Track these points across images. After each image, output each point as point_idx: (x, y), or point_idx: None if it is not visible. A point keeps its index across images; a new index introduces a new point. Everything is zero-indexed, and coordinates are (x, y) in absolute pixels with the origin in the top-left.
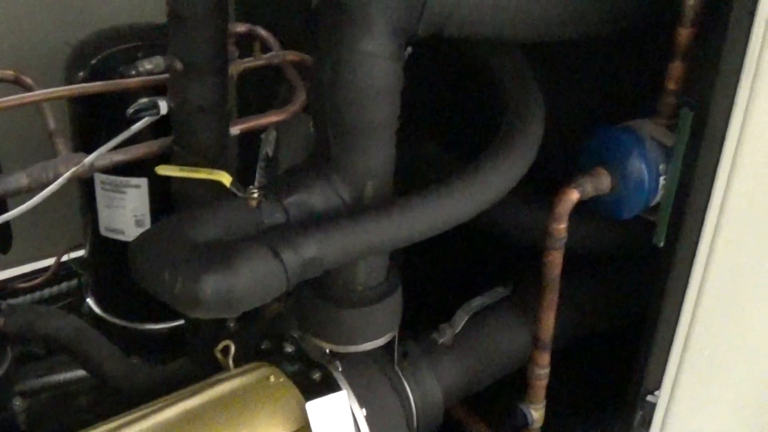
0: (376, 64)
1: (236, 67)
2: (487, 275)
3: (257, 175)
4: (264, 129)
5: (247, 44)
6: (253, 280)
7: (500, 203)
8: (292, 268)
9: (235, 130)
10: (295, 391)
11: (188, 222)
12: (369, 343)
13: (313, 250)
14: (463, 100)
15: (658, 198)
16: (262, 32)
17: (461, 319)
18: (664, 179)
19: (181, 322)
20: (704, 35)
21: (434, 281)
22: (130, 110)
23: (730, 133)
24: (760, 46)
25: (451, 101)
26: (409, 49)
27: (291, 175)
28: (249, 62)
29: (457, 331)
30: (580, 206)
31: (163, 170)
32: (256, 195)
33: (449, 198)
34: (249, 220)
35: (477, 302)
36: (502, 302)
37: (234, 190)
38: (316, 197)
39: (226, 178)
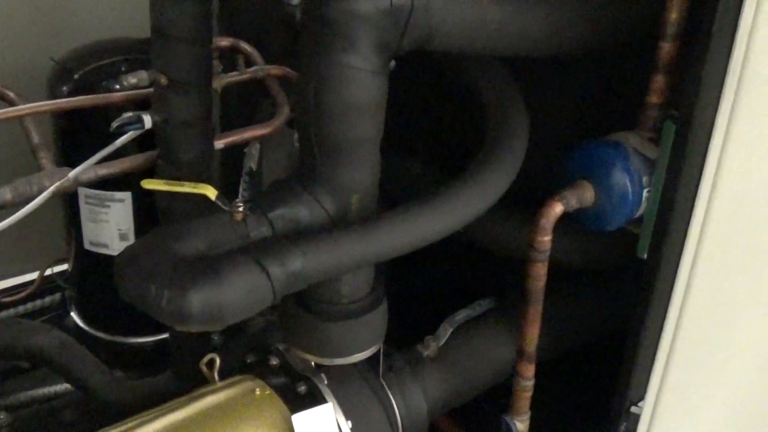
0: (360, 78)
1: (220, 82)
2: (472, 288)
3: (240, 190)
4: (247, 143)
5: (230, 59)
6: (240, 293)
7: (484, 216)
8: (278, 281)
9: (219, 144)
10: (281, 404)
11: (173, 236)
12: (354, 356)
13: (299, 264)
14: (447, 116)
15: (641, 210)
16: (246, 47)
17: (446, 332)
18: (648, 192)
19: (166, 335)
20: (686, 49)
21: (420, 294)
22: (115, 124)
23: (712, 146)
24: (743, 60)
25: (435, 117)
26: (393, 63)
27: (276, 189)
28: (233, 76)
29: (441, 343)
30: (564, 219)
31: (148, 184)
32: (241, 209)
33: (433, 212)
34: (234, 234)
35: (461, 315)
36: (487, 314)
37: (219, 203)
38: (302, 211)
39: (211, 192)
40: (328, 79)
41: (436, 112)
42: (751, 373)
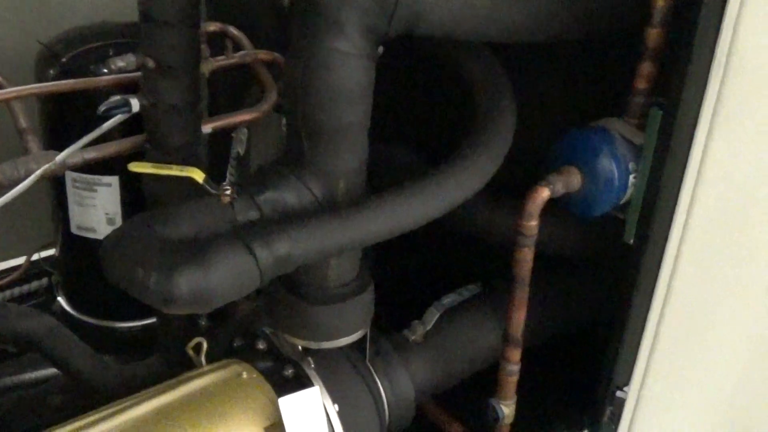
0: (348, 63)
1: (208, 66)
2: (459, 273)
3: (228, 174)
4: (235, 128)
5: (218, 43)
6: (226, 275)
7: (471, 202)
8: (265, 264)
9: (207, 128)
10: (268, 388)
11: (161, 219)
12: (341, 340)
13: (286, 247)
14: (434, 102)
15: (627, 196)
16: (234, 31)
17: (432, 317)
18: (634, 177)
19: (153, 320)
20: (673, 36)
21: (407, 279)
22: (102, 108)
23: (698, 132)
24: (728, 47)
25: (423, 105)
26: (381, 49)
27: (264, 173)
28: (221, 61)
29: (428, 328)
30: (551, 205)
31: (135, 167)
32: (229, 192)
33: (420, 196)
34: (222, 217)
35: (448, 300)
36: (474, 299)
37: (207, 186)
38: (289, 195)
39: (198, 175)
40: (316, 63)
41: (424, 99)
42: (735, 357)
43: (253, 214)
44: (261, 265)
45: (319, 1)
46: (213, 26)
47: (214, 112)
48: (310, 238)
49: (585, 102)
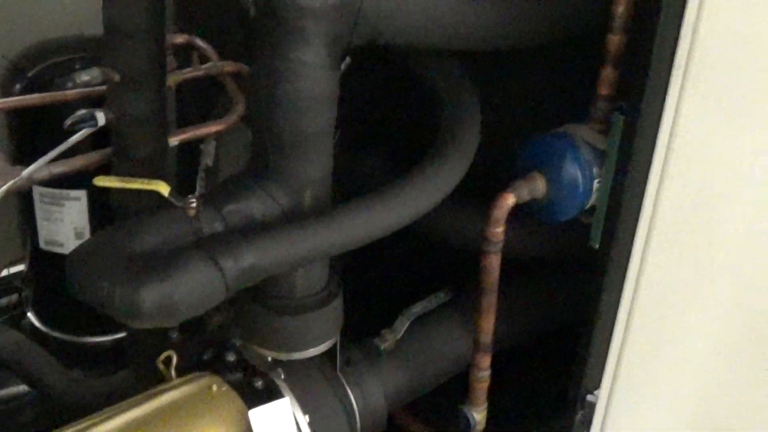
0: (311, 73)
1: (174, 78)
2: (430, 280)
3: (198, 186)
4: (203, 139)
5: (185, 55)
6: (191, 288)
7: (439, 208)
8: (230, 275)
9: (174, 140)
10: (238, 400)
11: (126, 233)
12: (310, 350)
13: (251, 258)
14: (406, 110)
15: (593, 201)
16: (201, 43)
17: (402, 325)
18: (598, 182)
19: (124, 334)
20: (634, 41)
21: (378, 287)
22: (68, 122)
23: (660, 137)
24: (688, 52)
25: (394, 112)
26: (348, 59)
27: (229, 184)
28: (187, 73)
29: (398, 336)
30: (518, 210)
31: (100, 181)
32: (194, 204)
33: (385, 205)
34: (187, 230)
35: (418, 307)
36: (444, 306)
37: (172, 199)
38: (255, 205)
39: (163, 188)
40: (280, 74)
41: (395, 106)
42: (705, 358)
43: (219, 226)
44: (226, 276)
45: (282, 12)
46: (180, 38)
47: (183, 124)
48: (276, 248)
49: (550, 108)
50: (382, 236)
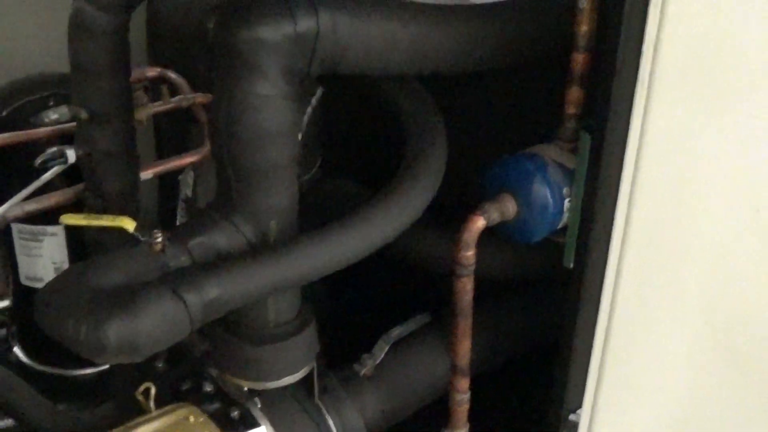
0: (270, 105)
1: (145, 112)
2: (411, 302)
3: (178, 217)
4: (180, 171)
5: (159, 88)
6: (155, 323)
7: (412, 232)
8: (195, 309)
9: (147, 174)
10: (215, 430)
11: (92, 269)
12: (286, 379)
13: (215, 290)
14: (378, 135)
15: (564, 220)
16: (173, 75)
17: (381, 350)
18: (569, 202)
19: (108, 365)
20: (599, 60)
21: (357, 310)
22: (38, 161)
23: (627, 154)
24: (650, 67)
25: (367, 137)
26: (321, 89)
27: (196, 217)
28: (157, 106)
29: (378, 361)
30: (491, 231)
31: (67, 219)
32: (159, 239)
33: (350, 233)
34: (153, 265)
35: (397, 331)
36: (423, 330)
37: (137, 235)
38: (221, 238)
39: (129, 224)
40: (238, 106)
41: (367, 131)
42: (685, 373)
43: (185, 260)
44: (190, 310)
45: (237, 45)
46: (153, 71)
47: (161, 156)
48: (241, 280)
49: (520, 127)
50: (350, 263)
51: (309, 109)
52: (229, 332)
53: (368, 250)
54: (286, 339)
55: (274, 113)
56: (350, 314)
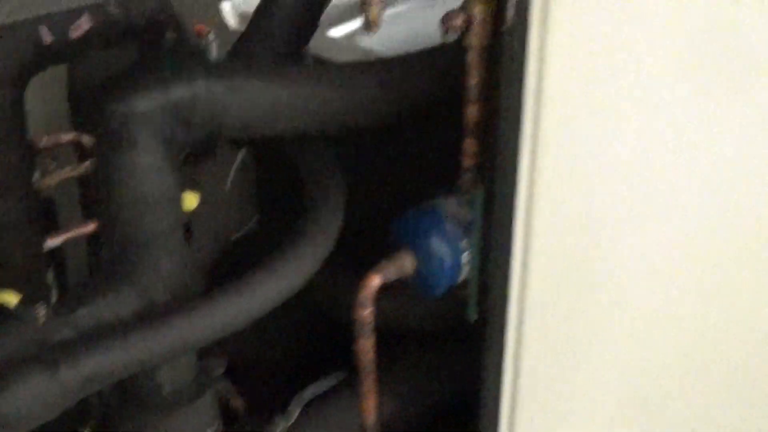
0: (148, 174)
1: (53, 178)
2: (327, 356)
3: None
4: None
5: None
6: (29, 401)
7: (323, 285)
8: (71, 385)
9: (54, 242)
10: None
11: None
12: None
13: (92, 365)
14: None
15: (465, 274)
16: (88, 140)
17: (295, 411)
18: (468, 254)
19: None
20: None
21: (273, 366)
22: None
23: (518, 207)
24: (533, 120)
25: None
26: (243, 150)
27: (81, 288)
28: (69, 172)
29: (290, 423)
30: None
31: None
32: (42, 314)
33: (239, 297)
34: (33, 340)
35: (309, 391)
36: (337, 388)
37: (18, 310)
38: (105, 309)
39: (11, 298)
40: (116, 176)
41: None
42: (602, 414)
43: (69, 332)
44: (66, 386)
45: (111, 117)
46: (68, 136)
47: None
48: (118, 353)
49: (426, 179)
50: (241, 327)
51: (232, 170)
52: (124, 399)
53: (257, 314)
54: (183, 405)
55: (152, 182)
56: (265, 368)
